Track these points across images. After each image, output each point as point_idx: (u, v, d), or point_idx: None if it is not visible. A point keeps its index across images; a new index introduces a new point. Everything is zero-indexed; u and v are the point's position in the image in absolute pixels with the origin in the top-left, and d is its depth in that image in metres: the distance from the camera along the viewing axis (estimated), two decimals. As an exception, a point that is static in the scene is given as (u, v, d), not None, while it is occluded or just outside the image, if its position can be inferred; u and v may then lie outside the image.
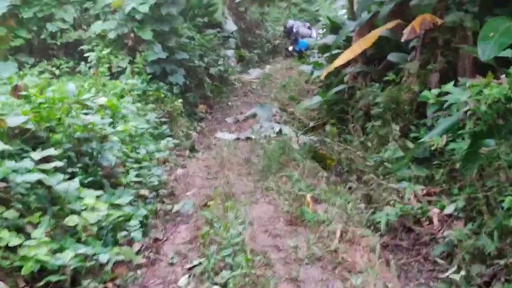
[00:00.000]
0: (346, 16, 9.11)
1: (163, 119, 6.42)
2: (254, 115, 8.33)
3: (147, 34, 6.98)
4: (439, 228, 3.54)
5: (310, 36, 12.94)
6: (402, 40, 4.47)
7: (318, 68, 7.95)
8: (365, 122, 5.97)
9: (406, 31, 4.38)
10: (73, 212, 2.50)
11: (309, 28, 13.95)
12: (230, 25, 11.66)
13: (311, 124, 7.62)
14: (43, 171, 2.55)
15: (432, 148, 4.11)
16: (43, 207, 2.52)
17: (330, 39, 7.68)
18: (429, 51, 4.88)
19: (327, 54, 7.11)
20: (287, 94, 9.65)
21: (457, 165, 3.79)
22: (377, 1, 7.50)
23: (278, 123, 7.96)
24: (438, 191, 4.05)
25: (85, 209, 2.50)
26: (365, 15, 7.42)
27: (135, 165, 3.80)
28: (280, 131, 7.24)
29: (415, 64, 4.89)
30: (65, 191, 2.49)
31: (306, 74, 10.09)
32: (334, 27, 7.29)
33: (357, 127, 5.80)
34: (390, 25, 4.98)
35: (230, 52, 11.25)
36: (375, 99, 5.46)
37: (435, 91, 3.30)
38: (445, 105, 3.07)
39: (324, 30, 9.20)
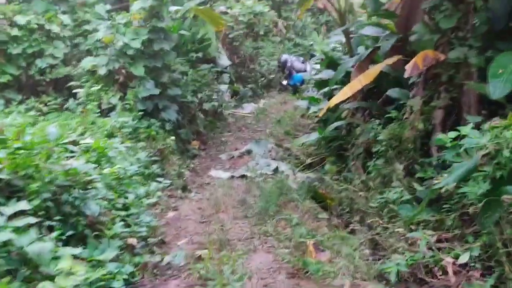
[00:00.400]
0: (341, 51, 9.05)
1: (154, 158, 6.13)
2: (249, 152, 8.08)
3: (139, 70, 6.78)
4: (455, 281, 3.23)
5: (304, 71, 12.88)
6: (405, 76, 4.28)
7: (315, 103, 7.78)
8: (366, 159, 5.73)
9: (408, 67, 4.20)
10: (46, 276, 2.18)
11: (303, 62, 13.94)
12: (224, 60, 11.55)
13: (308, 160, 7.37)
14: (15, 229, 2.25)
15: (441, 190, 3.86)
16: (13, 270, 2.21)
17: (326, 74, 7.55)
18: (432, 87, 4.69)
19: (324, 90, 6.94)
20: (283, 129, 9.44)
21: (470, 210, 3.52)
22: (372, 36, 7.45)
23: (274, 159, 7.71)
24: (449, 237, 3.76)
25: (60, 273, 2.18)
26: (362, 50, 7.33)
27: (122, 213, 3.48)
28: (277, 168, 6.98)
29: (418, 101, 4.69)
30: (38, 252, 2.17)
31: (302, 109, 9.93)
32: (331, 62, 7.15)
33: (358, 165, 5.54)
34: (390, 60, 4.81)
35: (224, 87, 11.09)
36: (376, 136, 5.23)
37: (452, 134, 3.06)
38: (462, 149, 2.83)
39: (319, 65, 9.09)
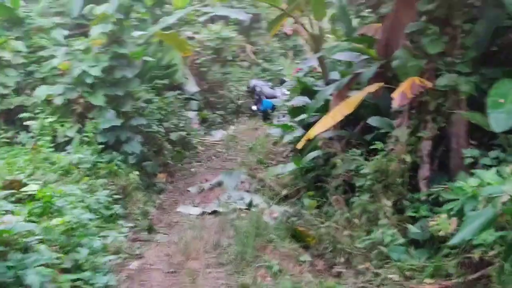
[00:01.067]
0: (314, 77, 8.75)
1: (116, 196, 5.54)
2: (220, 183, 7.56)
3: (98, 99, 6.22)
4: None
5: (274, 96, 12.57)
6: (394, 106, 3.93)
7: (289, 131, 7.39)
8: (347, 192, 5.35)
9: (396, 97, 3.86)
10: None
11: (272, 88, 13.66)
12: (192, 86, 11.10)
13: (284, 192, 6.93)
14: None
15: (437, 231, 3.48)
16: None
17: (299, 101, 7.20)
18: (418, 116, 4.37)
19: (300, 118, 6.56)
20: (255, 157, 8.99)
21: (475, 255, 3.14)
22: (345, 62, 7.18)
23: (248, 191, 7.23)
24: (451, 286, 3.37)
25: None
26: (336, 76, 7.03)
27: (73, 276, 2.90)
28: (251, 202, 6.50)
29: (404, 131, 4.35)
30: None
31: (274, 136, 9.55)
32: (304, 89, 6.81)
33: (340, 199, 5.13)
34: (372, 88, 4.48)
35: (192, 114, 10.61)
36: (358, 169, 4.86)
37: (473, 181, 2.66)
38: (482, 196, 2.45)
39: (291, 91, 8.76)
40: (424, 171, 4.33)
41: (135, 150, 6.55)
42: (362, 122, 6.13)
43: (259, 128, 11.96)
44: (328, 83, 6.25)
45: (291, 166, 6.16)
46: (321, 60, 6.38)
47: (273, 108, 11.39)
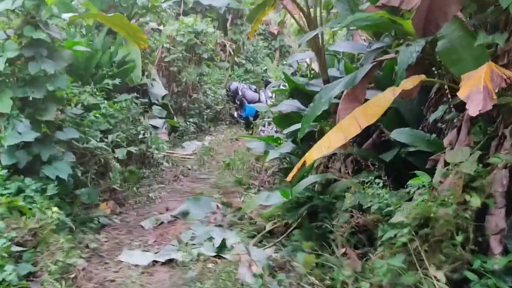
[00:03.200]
0: (302, 77, 6.98)
1: (18, 248, 3.71)
2: (184, 214, 5.76)
3: (3, 104, 4.38)
4: None
5: (258, 101, 10.84)
6: (473, 114, 2.17)
7: (275, 145, 5.62)
8: (360, 241, 3.61)
9: (474, 96, 2.12)
10: None
11: (255, 91, 11.97)
12: (159, 89, 9.29)
13: (269, 226, 5.19)
14: None
15: None
16: None
17: (288, 106, 5.45)
18: (487, 129, 2.63)
19: (291, 129, 4.80)
20: (232, 176, 7.22)
21: None
22: (349, 54, 5.48)
23: (220, 226, 5.45)
24: None
25: None
26: (335, 73, 5.31)
27: None
28: (223, 244, 4.73)
29: (462, 153, 2.61)
30: None
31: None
32: (295, 90, 5.05)
33: (352, 256, 3.36)
34: (409, 84, 2.73)
35: (158, 122, 8.79)
36: (383, 210, 3.11)
37: None
38: None
39: (275, 94, 7.02)
40: (498, 220, 2.59)
41: (62, 173, 4.70)
42: (375, 134, 4.41)
43: (240, 138, 10.19)
44: (327, 81, 4.51)
45: (277, 197, 4.37)
46: (318, 49, 4.62)
47: (257, 114, 9.64)
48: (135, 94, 7.07)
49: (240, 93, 11.55)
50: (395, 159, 3.88)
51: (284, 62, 16.19)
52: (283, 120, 5.28)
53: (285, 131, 5.36)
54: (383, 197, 3.11)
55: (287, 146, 5.29)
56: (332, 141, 2.75)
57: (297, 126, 4.39)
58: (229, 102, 11.87)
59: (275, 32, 18.07)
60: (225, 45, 12.98)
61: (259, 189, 6.73)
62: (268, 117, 7.40)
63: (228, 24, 14.17)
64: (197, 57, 10.71)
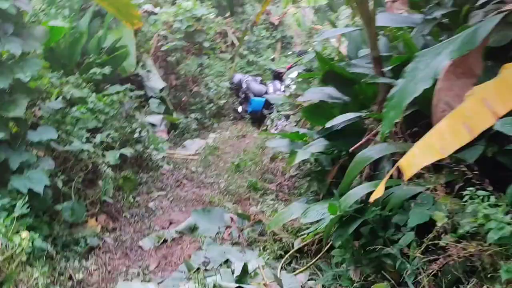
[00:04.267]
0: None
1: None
2: (192, 229, 4.73)
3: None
4: None
5: (265, 93, 9.78)
6: None
7: (302, 144, 4.58)
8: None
9: None
10: None
11: (261, 82, 10.91)
12: (156, 81, 8.24)
13: (297, 243, 4.21)
14: None
15: None
16: None
17: (316, 94, 4.42)
18: None
19: (332, 123, 3.74)
20: (244, 180, 6.19)
21: None
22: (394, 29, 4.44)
23: (237, 244, 4.45)
24: None
25: None
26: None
27: None
28: (245, 270, 3.72)
29: None
30: None
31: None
32: (330, 73, 4.00)
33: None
34: None
35: (156, 119, 7.75)
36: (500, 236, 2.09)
37: None
38: None
39: (297, 80, 5.96)
40: None
41: (36, 185, 3.66)
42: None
43: (247, 135, 9.15)
44: (378, 59, 3.46)
45: (319, 212, 3.32)
46: (367, 15, 3.55)
47: (264, 108, 8.61)
48: (129, 85, 5.98)
49: (244, 86, 10.49)
50: (482, 159, 2.85)
51: (290, 52, 15.21)
52: (314, 112, 4.24)
53: (321, 132, 4.32)
54: (500, 218, 2.08)
55: (318, 144, 4.25)
56: (449, 138, 1.73)
57: (340, 119, 3.34)
58: (232, 95, 10.80)
59: (276, 22, 17.03)
60: (226, 33, 11.89)
61: (277, 194, 5.72)
62: (286, 110, 6.33)
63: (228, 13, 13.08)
64: (197, 46, 9.64)
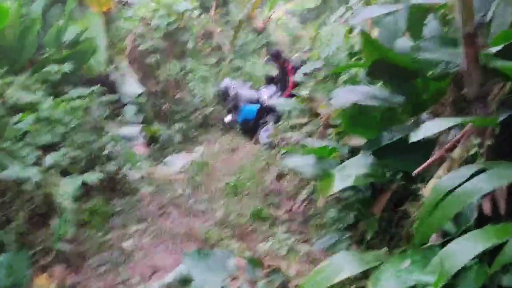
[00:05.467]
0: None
1: None
2: (183, 281, 3.44)
3: None
4: None
5: (257, 101, 8.62)
6: None
7: (333, 163, 3.36)
8: None
9: None
10: None
11: (251, 89, 9.74)
12: (132, 86, 6.97)
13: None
14: None
15: None
16: None
17: (349, 94, 3.22)
18: None
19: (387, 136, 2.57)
20: (246, 205, 4.95)
21: None
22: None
23: (247, 304, 3.19)
24: None
25: None
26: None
27: None
28: None
29: None
30: None
31: (271, 160, 5.63)
32: (381, 63, 2.81)
33: None
34: None
35: (132, 130, 6.47)
36: None
37: None
38: None
39: (313, 77, 4.76)
40: None
41: None
42: None
43: (239, 148, 7.91)
44: (473, 35, 2.30)
45: (396, 279, 2.08)
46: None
47: (266, 115, 7.43)
48: (98, 86, 4.68)
49: (232, 93, 9.28)
50: None
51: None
52: (356, 119, 3.05)
53: (355, 140, 3.13)
54: None
55: (359, 163, 3.06)
56: None
57: (432, 127, 2.15)
58: (219, 103, 9.56)
59: (261, 27, 15.94)
60: (211, 35, 10.66)
61: (290, 225, 4.50)
62: (297, 117, 5.10)
63: (211, 12, 11.88)
64: (180, 46, 8.39)
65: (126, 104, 6.42)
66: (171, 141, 7.28)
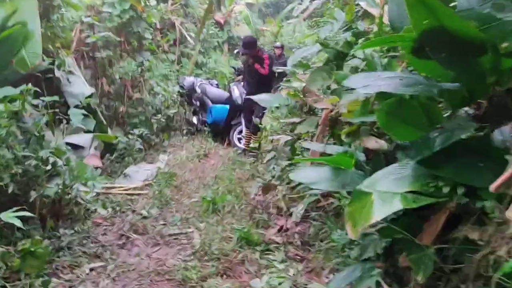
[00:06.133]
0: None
1: None
2: None
3: None
4: None
5: (228, 100, 7.70)
6: None
7: (356, 175, 2.48)
8: None
9: None
10: None
11: (218, 86, 8.86)
12: (80, 86, 5.86)
13: None
14: None
15: None
16: None
17: (371, 81, 2.36)
18: None
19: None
20: (229, 226, 4.01)
21: None
22: None
23: None
24: None
25: None
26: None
27: None
28: None
29: None
30: None
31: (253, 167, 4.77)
32: (438, 32, 1.96)
33: None
34: None
35: (82, 139, 5.41)
36: None
37: None
38: None
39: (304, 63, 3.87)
40: None
41: None
42: None
43: (210, 153, 6.96)
44: None
45: None
46: None
47: (238, 116, 6.48)
48: (30, 86, 3.58)
49: (198, 91, 8.31)
50: None
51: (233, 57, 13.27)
52: (395, 114, 2.18)
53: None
54: None
55: (402, 175, 2.21)
56: None
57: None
58: (183, 104, 8.56)
59: (222, 21, 15.00)
60: (169, 29, 9.60)
61: (287, 250, 3.60)
62: (286, 116, 4.18)
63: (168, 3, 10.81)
64: (135, 39, 7.32)
65: (73, 108, 5.31)
66: (130, 150, 6.21)
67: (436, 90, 2.27)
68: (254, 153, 6.50)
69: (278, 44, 9.93)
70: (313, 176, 2.50)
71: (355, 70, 3.04)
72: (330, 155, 2.91)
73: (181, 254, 3.65)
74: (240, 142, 7.17)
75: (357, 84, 2.50)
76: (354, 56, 3.30)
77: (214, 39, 13.13)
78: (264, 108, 6.46)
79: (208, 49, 12.36)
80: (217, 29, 14.36)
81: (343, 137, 3.13)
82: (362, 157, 2.86)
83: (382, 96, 2.59)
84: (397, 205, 2.00)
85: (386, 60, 2.95)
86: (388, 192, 2.10)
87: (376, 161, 2.71)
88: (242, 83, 7.19)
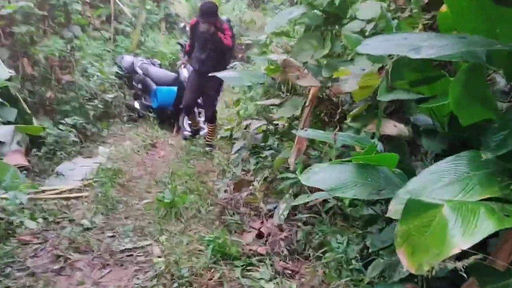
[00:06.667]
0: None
1: None
2: None
3: None
4: None
5: (175, 82, 6.81)
6: None
7: (397, 178, 1.81)
8: None
9: None
10: None
11: (160, 66, 7.93)
12: (-5, 67, 4.72)
13: None
14: None
15: None
16: None
17: (396, 43, 1.70)
18: None
19: None
20: (196, 234, 3.25)
21: None
22: None
23: None
24: None
25: None
26: None
27: None
28: None
29: None
30: None
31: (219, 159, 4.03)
32: None
33: None
34: None
35: (2, 132, 4.35)
36: None
37: None
38: None
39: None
40: None
41: None
42: None
43: (157, 143, 6.07)
44: None
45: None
46: None
47: (177, 102, 5.64)
48: None
49: (140, 72, 7.33)
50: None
51: (181, 25, 12.30)
52: (470, 89, 1.53)
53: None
54: None
55: (469, 174, 1.57)
56: None
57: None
58: (122, 86, 7.53)
59: (157, -2, 13.81)
60: (100, 5, 8.41)
61: (273, 262, 2.92)
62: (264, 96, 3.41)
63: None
64: (60, 12, 6.19)
65: (-15, 94, 4.24)
66: (62, 143, 5.17)
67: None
68: (209, 140, 5.73)
69: (224, 18, 9.07)
70: (333, 179, 1.79)
71: (362, 34, 2.36)
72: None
73: (140, 277, 2.85)
74: (191, 128, 6.34)
75: (380, 49, 1.83)
76: (352, 19, 2.62)
77: (151, 16, 12.01)
78: (219, 88, 5.67)
79: (146, 26, 11.23)
80: (155, 5, 13.21)
81: (348, 120, 2.46)
82: (380, 146, 2.21)
83: (408, 64, 1.96)
84: (488, 226, 1.34)
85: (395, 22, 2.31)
86: (462, 202, 1.44)
87: (398, 151, 2.06)
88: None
